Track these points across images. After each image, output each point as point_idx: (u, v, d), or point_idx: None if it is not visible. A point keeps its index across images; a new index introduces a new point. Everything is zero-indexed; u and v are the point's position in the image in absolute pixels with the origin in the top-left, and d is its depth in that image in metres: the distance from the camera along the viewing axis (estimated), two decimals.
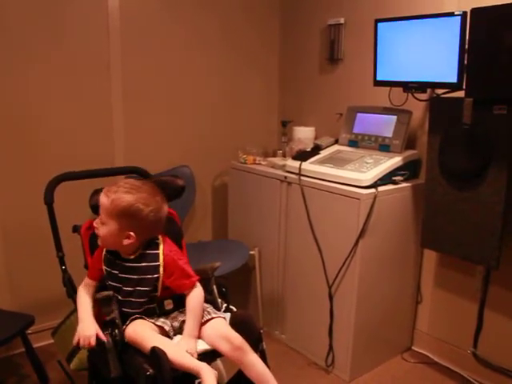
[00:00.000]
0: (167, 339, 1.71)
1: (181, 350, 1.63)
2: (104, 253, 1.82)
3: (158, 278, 1.77)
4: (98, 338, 1.70)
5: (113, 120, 2.84)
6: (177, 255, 1.83)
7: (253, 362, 1.71)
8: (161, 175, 2.25)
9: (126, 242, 1.76)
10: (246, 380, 1.77)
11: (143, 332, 1.68)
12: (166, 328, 1.75)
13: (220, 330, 1.76)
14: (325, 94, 3.19)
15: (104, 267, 1.81)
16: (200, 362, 1.61)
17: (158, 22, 2.91)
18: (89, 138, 2.77)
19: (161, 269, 1.78)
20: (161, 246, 1.82)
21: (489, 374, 2.51)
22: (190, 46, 3.07)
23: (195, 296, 1.80)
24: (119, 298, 1.77)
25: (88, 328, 1.72)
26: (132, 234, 1.75)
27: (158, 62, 2.95)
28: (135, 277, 1.77)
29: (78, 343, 1.70)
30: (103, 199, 1.75)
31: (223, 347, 1.72)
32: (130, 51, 2.82)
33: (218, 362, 1.77)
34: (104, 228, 1.75)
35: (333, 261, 2.50)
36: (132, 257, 1.79)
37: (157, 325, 1.74)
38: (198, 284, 1.84)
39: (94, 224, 1.79)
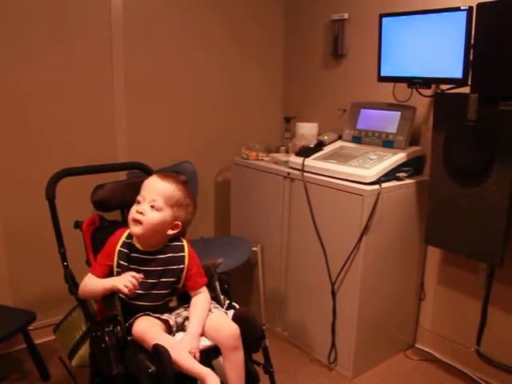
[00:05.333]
0: (174, 339, 1.69)
1: (187, 354, 1.62)
2: (118, 247, 1.79)
3: (183, 268, 1.81)
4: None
5: (115, 115, 2.82)
6: (194, 252, 1.90)
7: (238, 361, 1.71)
8: (163, 171, 2.24)
9: (170, 232, 1.80)
10: (249, 378, 1.77)
11: (152, 330, 1.67)
12: (171, 322, 1.75)
13: (217, 319, 1.77)
14: (328, 89, 3.18)
15: (120, 262, 1.78)
16: (204, 368, 1.60)
17: (161, 16, 2.89)
18: (91, 134, 2.76)
19: (186, 260, 1.83)
20: (183, 240, 1.88)
21: (492, 371, 2.50)
22: (193, 42, 3.05)
23: (204, 299, 1.84)
24: (138, 291, 1.75)
25: (122, 276, 1.73)
26: (180, 224, 1.81)
27: (160, 58, 2.93)
28: (159, 268, 1.79)
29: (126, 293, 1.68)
30: (165, 185, 1.77)
31: (218, 335, 1.72)
32: (132, 47, 2.81)
33: (221, 358, 1.76)
34: (157, 214, 1.75)
35: (336, 257, 2.49)
36: (155, 249, 1.80)
37: (162, 319, 1.74)
38: (205, 287, 1.88)
39: (139, 209, 1.74)
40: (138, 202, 1.78)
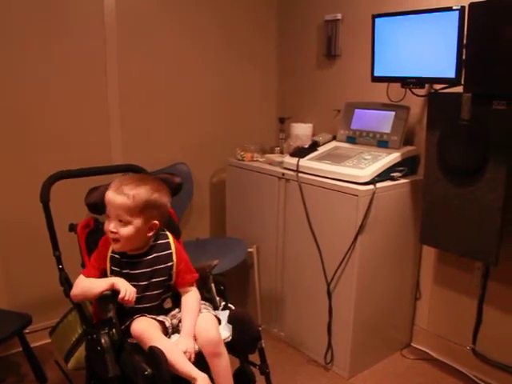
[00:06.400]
0: (170, 341, 1.69)
1: (182, 356, 1.62)
2: (110, 254, 1.78)
3: (171, 265, 1.80)
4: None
5: (109, 118, 2.82)
6: (182, 248, 1.89)
7: (221, 367, 1.70)
8: (158, 173, 2.24)
9: (150, 233, 1.77)
10: (245, 379, 1.77)
11: (150, 331, 1.67)
12: (167, 324, 1.75)
13: (201, 324, 1.76)
14: (322, 90, 3.18)
15: (113, 268, 1.77)
16: (198, 372, 1.60)
17: (154, 17, 2.89)
18: (85, 136, 2.75)
19: (174, 256, 1.81)
20: (169, 236, 1.86)
21: (488, 370, 2.50)
22: (187, 43, 3.05)
23: (193, 297, 1.83)
24: (138, 295, 1.74)
25: (128, 284, 1.72)
26: (157, 222, 1.76)
27: (154, 59, 2.93)
28: (148, 269, 1.78)
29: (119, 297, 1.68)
30: (121, 199, 1.69)
31: (199, 340, 1.71)
32: (126, 48, 2.80)
33: None
34: (129, 228, 1.71)
35: (331, 258, 2.49)
36: (141, 251, 1.79)
37: (158, 320, 1.74)
38: (195, 285, 1.87)
39: (111, 229, 1.71)
40: (109, 217, 1.75)
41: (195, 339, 1.72)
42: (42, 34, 2.53)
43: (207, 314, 1.82)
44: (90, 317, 1.87)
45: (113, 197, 1.71)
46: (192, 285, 1.86)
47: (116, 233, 1.71)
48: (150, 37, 2.89)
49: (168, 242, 1.84)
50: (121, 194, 1.70)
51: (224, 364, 1.70)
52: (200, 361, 1.67)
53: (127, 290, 1.68)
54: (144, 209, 1.72)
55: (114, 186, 1.74)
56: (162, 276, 1.79)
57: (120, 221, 1.71)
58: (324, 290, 2.54)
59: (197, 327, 1.74)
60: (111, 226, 1.72)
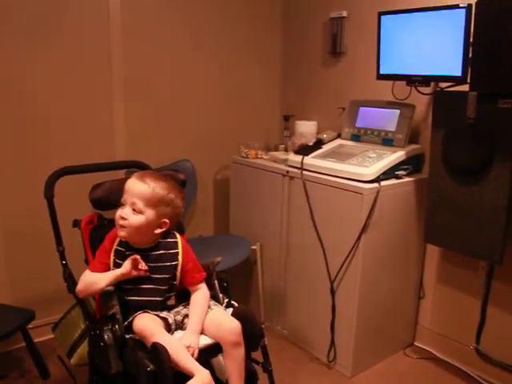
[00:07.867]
0: (172, 337, 1.70)
1: (185, 353, 1.62)
2: (115, 246, 1.79)
3: (176, 265, 1.81)
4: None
5: (113, 113, 2.82)
6: (190, 248, 1.90)
7: (239, 357, 1.72)
8: (162, 169, 2.23)
9: (158, 230, 1.78)
10: (248, 376, 1.77)
11: (152, 327, 1.67)
12: (170, 320, 1.76)
13: (218, 316, 1.78)
14: (327, 87, 3.17)
15: (116, 261, 1.78)
16: (201, 368, 1.60)
17: (159, 13, 2.88)
18: (89, 132, 2.75)
19: (180, 256, 1.82)
20: (178, 235, 1.87)
21: (491, 369, 2.50)
22: (192, 40, 3.04)
23: (202, 295, 1.84)
24: (141, 287, 1.76)
25: (124, 265, 1.75)
26: (167, 221, 1.78)
27: (158, 56, 2.93)
28: (151, 265, 1.78)
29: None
30: (142, 187, 1.73)
31: (219, 331, 1.72)
32: (130, 44, 2.80)
33: (220, 357, 1.76)
34: (140, 217, 1.73)
35: (335, 256, 2.49)
36: (147, 246, 1.80)
37: (161, 317, 1.74)
38: (204, 283, 1.88)
39: (123, 215, 1.72)
40: (122, 205, 1.76)
41: (206, 334, 1.74)
42: (45, 31, 2.53)
43: (220, 309, 1.84)
44: (93, 313, 1.87)
45: (134, 183, 1.75)
46: (201, 283, 1.86)
47: (126, 219, 1.72)
48: (155, 34, 2.89)
49: (176, 242, 1.84)
50: (142, 182, 1.74)
51: (242, 353, 1.72)
52: (203, 358, 1.67)
53: (134, 267, 1.72)
54: (159, 203, 1.75)
55: (136, 175, 1.78)
56: (165, 274, 1.79)
57: (133, 210, 1.73)
58: (327, 288, 2.54)
59: (214, 320, 1.76)
60: (123, 212, 1.74)
